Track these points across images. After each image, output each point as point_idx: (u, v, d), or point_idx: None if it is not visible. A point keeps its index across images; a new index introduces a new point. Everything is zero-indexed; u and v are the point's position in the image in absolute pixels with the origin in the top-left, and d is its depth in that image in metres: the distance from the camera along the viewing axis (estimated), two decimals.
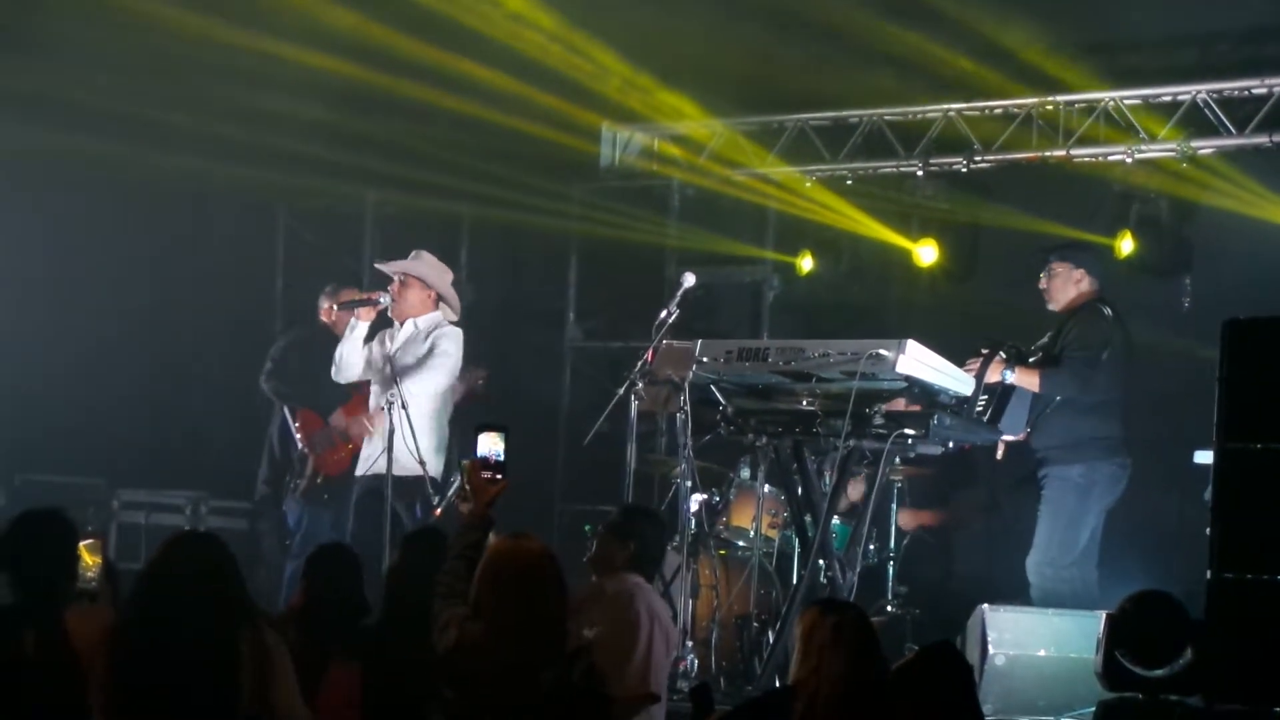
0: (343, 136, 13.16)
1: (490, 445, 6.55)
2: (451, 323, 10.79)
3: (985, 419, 9.94)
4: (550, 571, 6.30)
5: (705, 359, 9.45)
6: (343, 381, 10.90)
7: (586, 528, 11.26)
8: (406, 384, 10.29)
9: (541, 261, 14.47)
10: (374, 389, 10.72)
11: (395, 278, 10.73)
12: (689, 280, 9.98)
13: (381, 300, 10.65)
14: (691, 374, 9.44)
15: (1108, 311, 10.37)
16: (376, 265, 10.96)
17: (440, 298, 10.79)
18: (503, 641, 6.16)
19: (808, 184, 13.22)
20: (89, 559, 6.84)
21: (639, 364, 9.69)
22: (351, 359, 10.72)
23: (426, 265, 10.82)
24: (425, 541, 7.24)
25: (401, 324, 10.75)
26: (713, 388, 9.62)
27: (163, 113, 12.77)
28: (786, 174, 13.26)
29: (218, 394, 14.36)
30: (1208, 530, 8.73)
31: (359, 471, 10.69)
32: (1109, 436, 10.23)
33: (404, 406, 10.09)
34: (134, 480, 13.41)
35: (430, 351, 10.57)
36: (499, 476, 6.50)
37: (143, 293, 13.86)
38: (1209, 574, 8.37)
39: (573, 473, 13.38)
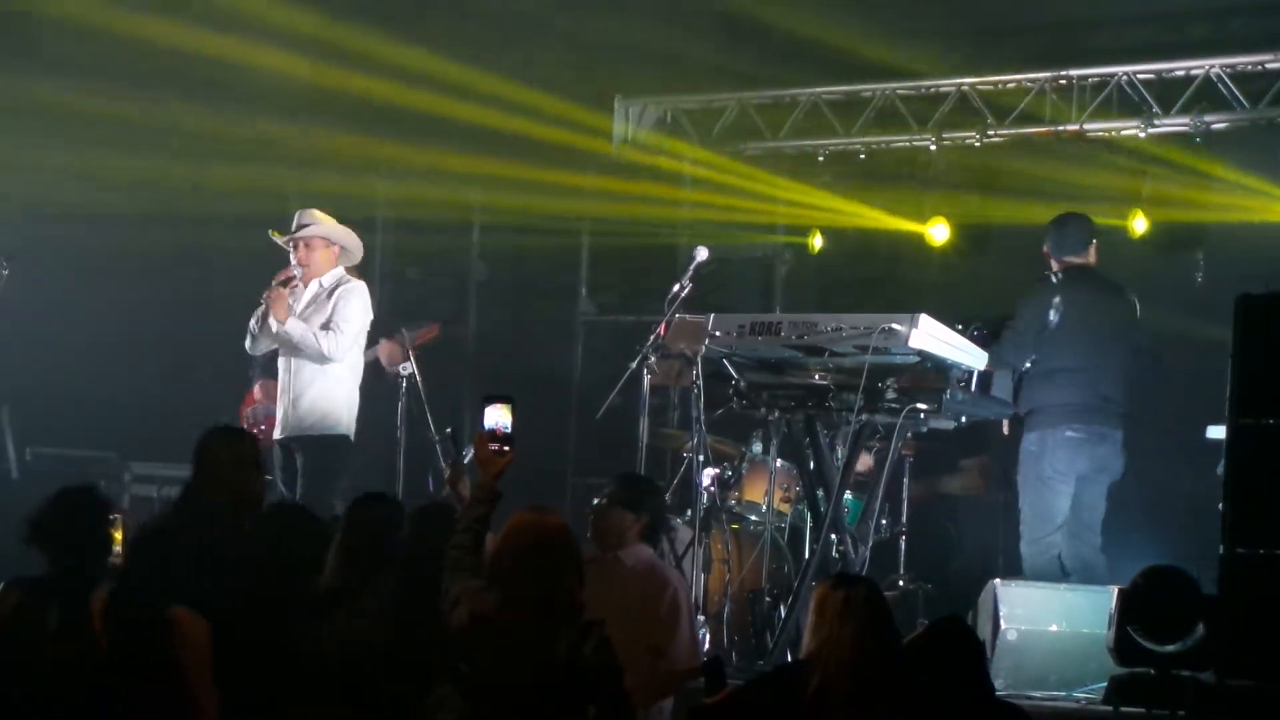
0: (352, 116, 13.15)
1: (497, 417, 6.53)
2: (350, 269, 10.55)
3: None
4: (568, 546, 6.31)
5: (718, 333, 9.45)
6: (256, 354, 10.84)
7: (596, 501, 11.26)
8: (315, 356, 10.22)
9: (554, 236, 14.45)
10: (280, 356, 10.54)
11: (299, 244, 10.48)
12: (702, 254, 9.96)
13: (295, 274, 10.46)
14: (704, 348, 9.44)
15: (1054, 280, 10.33)
16: (274, 239, 10.73)
17: (342, 249, 10.55)
18: (519, 615, 6.17)
19: (820, 158, 13.23)
20: (115, 536, 6.83)
21: (652, 338, 9.69)
22: (257, 330, 10.63)
23: (322, 223, 10.59)
24: (435, 515, 7.22)
25: (305, 285, 10.51)
26: (725, 362, 9.62)
27: (169, 105, 12.81)
28: (799, 148, 13.26)
29: (228, 367, 14.32)
30: (1220, 505, 8.73)
31: (276, 435, 10.55)
32: (1064, 404, 10.17)
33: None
34: (146, 453, 13.39)
35: (333, 313, 10.34)
36: (506, 449, 6.49)
37: (157, 269, 13.82)
38: (1221, 549, 8.36)
39: (585, 447, 13.35)
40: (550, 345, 13.67)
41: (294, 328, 10.28)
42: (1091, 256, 10.48)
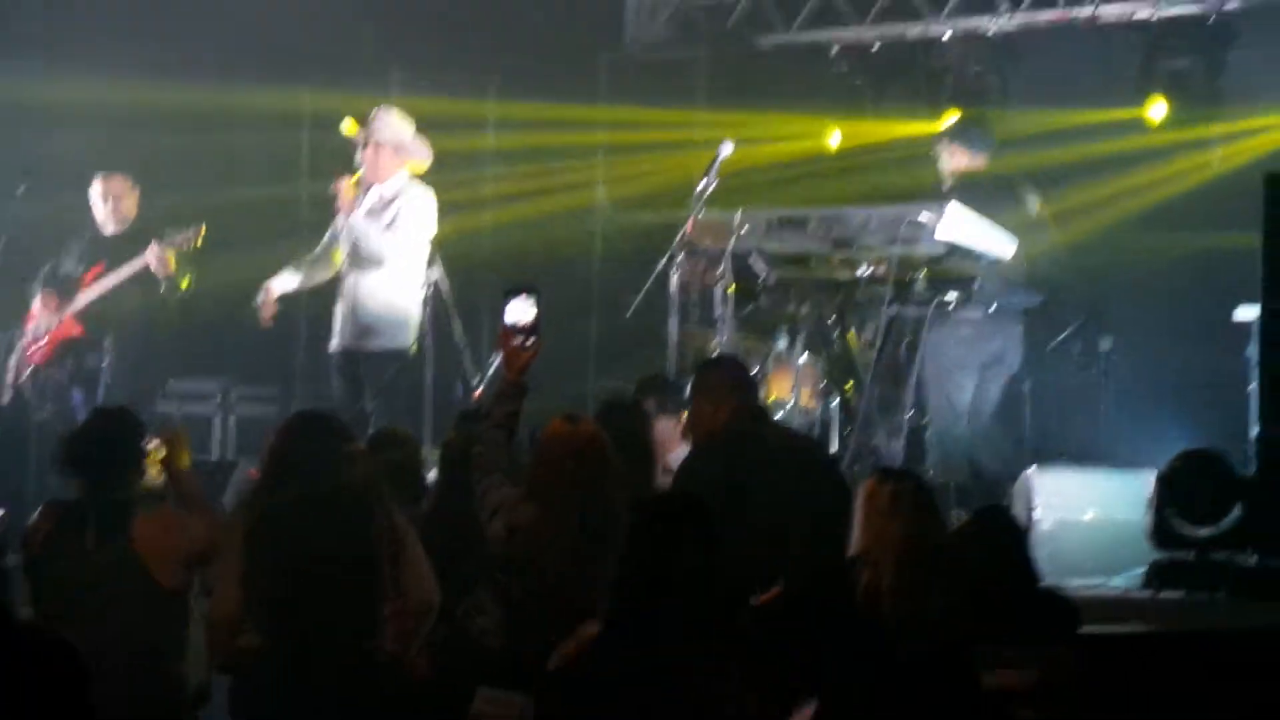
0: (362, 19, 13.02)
1: (520, 310, 6.42)
2: (419, 175, 10.38)
3: None
4: (603, 455, 6.28)
5: (745, 229, 9.41)
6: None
7: None
8: (370, 252, 10.10)
9: (569, 133, 14.34)
10: (344, 259, 10.38)
11: (360, 143, 10.30)
12: (727, 149, 9.84)
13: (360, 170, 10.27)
14: (731, 244, 9.40)
15: (944, 190, 10.24)
16: (344, 133, 10.59)
17: (409, 155, 10.37)
18: (560, 527, 6.16)
19: (833, 51, 13.16)
20: (152, 458, 6.82)
21: (679, 235, 9.62)
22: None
23: (391, 124, 10.37)
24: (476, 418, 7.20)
25: (367, 191, 10.31)
26: (753, 257, 9.58)
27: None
28: (813, 40, 13.19)
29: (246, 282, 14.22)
30: (1249, 388, 8.73)
31: (334, 345, 10.41)
32: None
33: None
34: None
35: (395, 217, 10.20)
36: (530, 341, 6.40)
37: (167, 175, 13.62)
38: (1258, 431, 8.40)
39: (607, 347, 13.32)
40: (569, 245, 13.58)
41: (359, 223, 10.16)
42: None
